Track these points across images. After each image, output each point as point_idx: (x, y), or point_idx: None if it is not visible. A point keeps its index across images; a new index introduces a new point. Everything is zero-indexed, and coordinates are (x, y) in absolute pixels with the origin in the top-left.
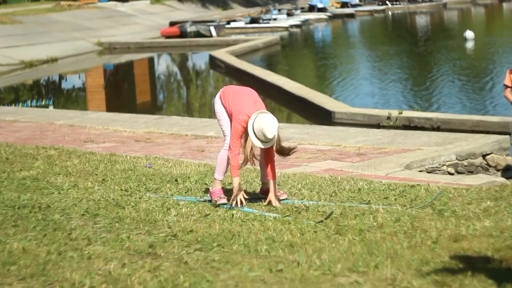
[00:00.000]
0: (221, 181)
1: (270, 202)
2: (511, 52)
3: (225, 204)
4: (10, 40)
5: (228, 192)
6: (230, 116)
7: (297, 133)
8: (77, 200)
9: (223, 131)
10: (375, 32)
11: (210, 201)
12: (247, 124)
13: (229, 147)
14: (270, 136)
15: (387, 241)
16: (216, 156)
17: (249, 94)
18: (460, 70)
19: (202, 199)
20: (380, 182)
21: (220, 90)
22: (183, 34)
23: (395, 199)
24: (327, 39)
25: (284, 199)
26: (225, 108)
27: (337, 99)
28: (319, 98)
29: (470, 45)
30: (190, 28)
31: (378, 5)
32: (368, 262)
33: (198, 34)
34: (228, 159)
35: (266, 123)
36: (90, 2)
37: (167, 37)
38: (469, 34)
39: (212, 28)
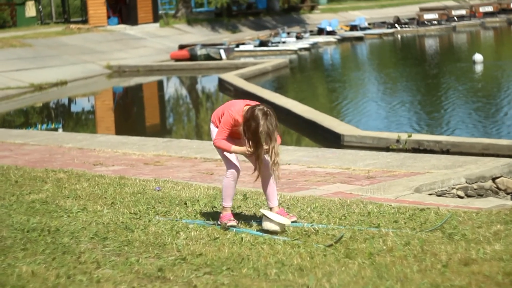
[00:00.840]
0: (230, 207)
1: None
2: None
3: (234, 226)
4: (20, 63)
5: (236, 216)
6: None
7: (306, 156)
8: (86, 223)
9: (223, 160)
10: (384, 55)
11: (220, 224)
12: (235, 118)
13: (216, 133)
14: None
15: (397, 264)
16: None
17: (240, 100)
18: (469, 93)
19: (211, 222)
20: (390, 205)
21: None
22: (193, 57)
23: (405, 223)
24: (336, 62)
25: (294, 222)
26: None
27: (346, 122)
28: (328, 121)
29: (479, 68)
30: (200, 51)
31: (387, 28)
32: (378, 286)
33: (208, 57)
34: (217, 146)
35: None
36: (100, 25)
37: (177, 60)
38: (478, 57)
39: (222, 51)
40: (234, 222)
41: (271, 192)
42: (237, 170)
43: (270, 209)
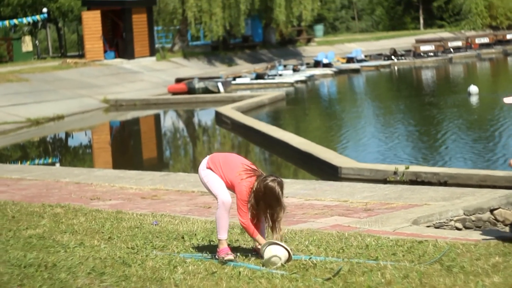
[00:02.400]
0: (226, 240)
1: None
2: None
3: (232, 260)
4: (17, 97)
5: (234, 250)
6: (225, 181)
7: (303, 189)
8: (83, 259)
9: (213, 192)
10: (381, 87)
11: (217, 259)
12: (251, 188)
13: (239, 213)
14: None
15: None
16: None
17: (237, 158)
18: (465, 125)
19: (209, 256)
20: (388, 238)
21: (206, 158)
22: (190, 91)
23: (403, 255)
24: (333, 94)
25: None
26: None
27: (343, 154)
28: (325, 153)
29: (474, 99)
30: (198, 85)
31: (384, 60)
32: None
33: (206, 90)
34: (244, 227)
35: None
36: (96, 60)
37: (174, 93)
38: (473, 89)
39: (219, 84)
40: (231, 256)
41: (262, 229)
42: (228, 199)
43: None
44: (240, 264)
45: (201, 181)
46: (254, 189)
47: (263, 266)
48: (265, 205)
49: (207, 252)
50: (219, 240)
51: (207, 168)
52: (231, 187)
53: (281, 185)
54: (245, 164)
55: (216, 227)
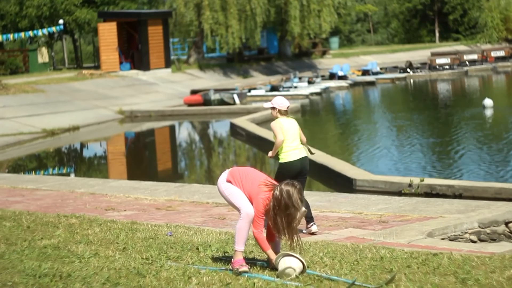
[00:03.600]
0: (242, 252)
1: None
2: None
3: (247, 272)
4: (33, 108)
5: (248, 261)
6: (244, 194)
7: (318, 201)
8: (98, 269)
9: (235, 204)
10: (396, 99)
11: (231, 270)
12: (269, 201)
13: (254, 225)
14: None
15: None
16: None
17: (257, 173)
18: (480, 138)
19: (223, 268)
20: (403, 250)
21: (226, 172)
22: (206, 102)
23: (418, 268)
24: (348, 106)
25: None
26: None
27: (358, 166)
28: (340, 165)
29: (489, 113)
30: (213, 96)
31: (400, 72)
32: None
33: (221, 102)
34: (257, 238)
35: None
36: (112, 71)
37: (190, 105)
38: (488, 102)
39: (235, 96)
40: (246, 268)
41: (278, 243)
42: (251, 211)
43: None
44: (255, 276)
45: (222, 194)
46: (273, 195)
47: (277, 277)
48: (282, 210)
49: (222, 263)
50: (236, 251)
51: (227, 181)
52: (249, 200)
53: (298, 188)
54: (264, 178)
55: (234, 238)
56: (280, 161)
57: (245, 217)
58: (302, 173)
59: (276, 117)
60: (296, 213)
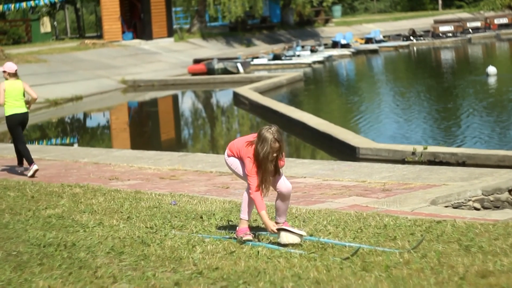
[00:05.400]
0: (247, 220)
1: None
2: None
3: (251, 240)
4: (35, 78)
5: (253, 230)
6: (240, 161)
7: (321, 169)
8: (102, 238)
9: (243, 174)
10: (399, 67)
11: (236, 238)
12: (253, 155)
13: (248, 187)
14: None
15: (414, 277)
16: (240, 193)
17: (244, 138)
18: (483, 106)
19: (227, 236)
20: (406, 218)
21: (227, 149)
22: (209, 71)
23: (421, 235)
24: (351, 75)
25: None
26: (237, 158)
27: (361, 134)
28: (344, 134)
29: (492, 80)
30: (217, 65)
31: (403, 40)
32: None
33: (225, 71)
34: (253, 198)
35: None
36: (114, 41)
37: (194, 74)
38: (492, 69)
39: (239, 65)
40: (250, 236)
41: (283, 210)
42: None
43: (276, 223)
44: (259, 244)
45: (230, 168)
46: (255, 143)
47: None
48: (267, 153)
49: (226, 232)
50: (241, 219)
51: (230, 156)
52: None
53: (275, 129)
54: (250, 138)
55: (241, 207)
56: (5, 114)
57: (255, 188)
58: (23, 123)
59: (6, 79)
60: (277, 147)
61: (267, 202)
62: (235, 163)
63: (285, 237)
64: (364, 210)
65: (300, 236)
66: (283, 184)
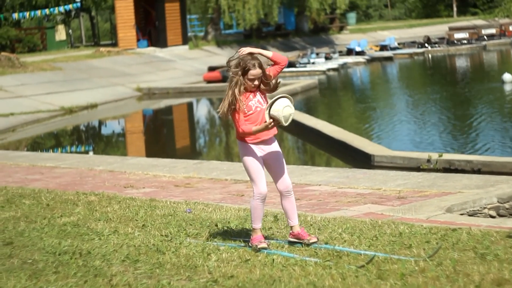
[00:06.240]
0: (260, 228)
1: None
2: None
3: (266, 248)
4: (51, 86)
5: (267, 237)
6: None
7: (336, 177)
8: (117, 246)
9: (250, 178)
10: (414, 74)
11: (250, 246)
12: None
13: (239, 132)
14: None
15: (429, 285)
16: None
17: None
18: (498, 113)
19: (242, 244)
20: (421, 225)
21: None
22: (225, 79)
23: (437, 243)
24: (365, 82)
25: (314, 243)
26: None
27: (376, 142)
28: (358, 141)
29: (508, 87)
30: None
31: (418, 47)
32: None
33: None
34: (245, 132)
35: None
36: (129, 48)
37: (209, 81)
38: (507, 76)
39: None
40: (265, 244)
41: (290, 209)
42: (264, 191)
43: (291, 227)
44: (274, 252)
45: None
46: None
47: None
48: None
49: (241, 240)
50: (253, 228)
51: (241, 139)
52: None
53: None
54: None
55: (250, 216)
56: None
57: (258, 196)
58: None
59: None
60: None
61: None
62: (246, 163)
63: (279, 110)
64: (379, 218)
65: (285, 97)
66: (282, 181)
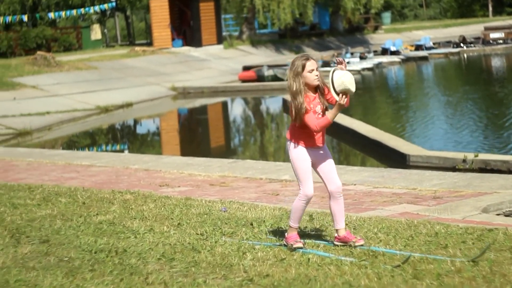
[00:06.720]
0: (297, 228)
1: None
2: None
3: (301, 248)
4: (86, 85)
5: (302, 237)
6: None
7: (371, 177)
8: (153, 244)
9: (298, 178)
10: (449, 74)
11: (286, 245)
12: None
13: (313, 125)
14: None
15: (466, 286)
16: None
17: None
18: None
19: (277, 243)
20: (457, 226)
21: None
22: (260, 78)
23: (473, 243)
24: (400, 82)
25: (361, 245)
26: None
27: (411, 142)
28: (394, 141)
29: None
30: (267, 72)
31: (453, 47)
32: None
33: (275, 78)
34: (321, 126)
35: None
36: (164, 48)
37: (244, 81)
38: None
39: None
40: (300, 244)
41: (339, 211)
42: (311, 193)
43: (337, 230)
44: (309, 251)
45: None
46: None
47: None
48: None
49: (276, 239)
50: (290, 226)
51: (292, 140)
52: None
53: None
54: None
55: (290, 215)
56: None
57: (304, 197)
58: None
59: None
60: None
61: (317, 209)
62: (297, 161)
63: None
64: (415, 217)
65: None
66: (333, 182)
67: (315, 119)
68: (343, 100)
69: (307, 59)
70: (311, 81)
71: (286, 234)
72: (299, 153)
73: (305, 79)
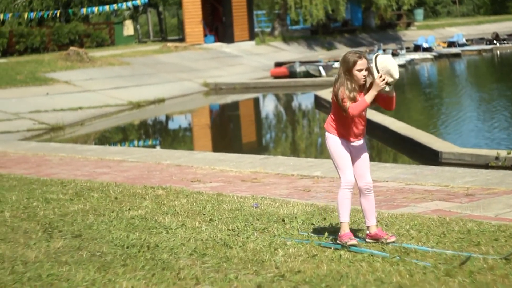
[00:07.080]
0: (348, 223)
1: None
2: None
3: (356, 246)
4: (118, 81)
5: (334, 233)
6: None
7: (403, 173)
8: (185, 240)
9: (337, 167)
10: (482, 71)
11: (340, 244)
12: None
13: (349, 109)
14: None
15: (498, 283)
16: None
17: None
18: None
19: (309, 240)
20: (490, 223)
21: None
22: (292, 74)
23: (506, 241)
24: (433, 78)
25: (393, 242)
26: (336, 121)
27: (443, 138)
28: (426, 138)
29: None
30: (299, 68)
31: (486, 44)
32: None
33: (307, 74)
34: (359, 109)
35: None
36: (196, 44)
37: (276, 77)
38: None
39: (321, 68)
40: (355, 241)
41: (369, 208)
42: (352, 179)
43: (368, 227)
44: (363, 250)
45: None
46: (342, 72)
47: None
48: (354, 72)
49: (308, 235)
50: (341, 223)
51: (329, 131)
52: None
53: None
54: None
55: (338, 211)
56: None
57: (345, 184)
58: None
59: None
60: (361, 63)
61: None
62: (336, 150)
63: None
64: (447, 215)
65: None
66: (363, 178)
67: (351, 104)
68: (382, 81)
69: (360, 57)
70: (357, 79)
71: (339, 232)
72: (336, 141)
73: (353, 76)
